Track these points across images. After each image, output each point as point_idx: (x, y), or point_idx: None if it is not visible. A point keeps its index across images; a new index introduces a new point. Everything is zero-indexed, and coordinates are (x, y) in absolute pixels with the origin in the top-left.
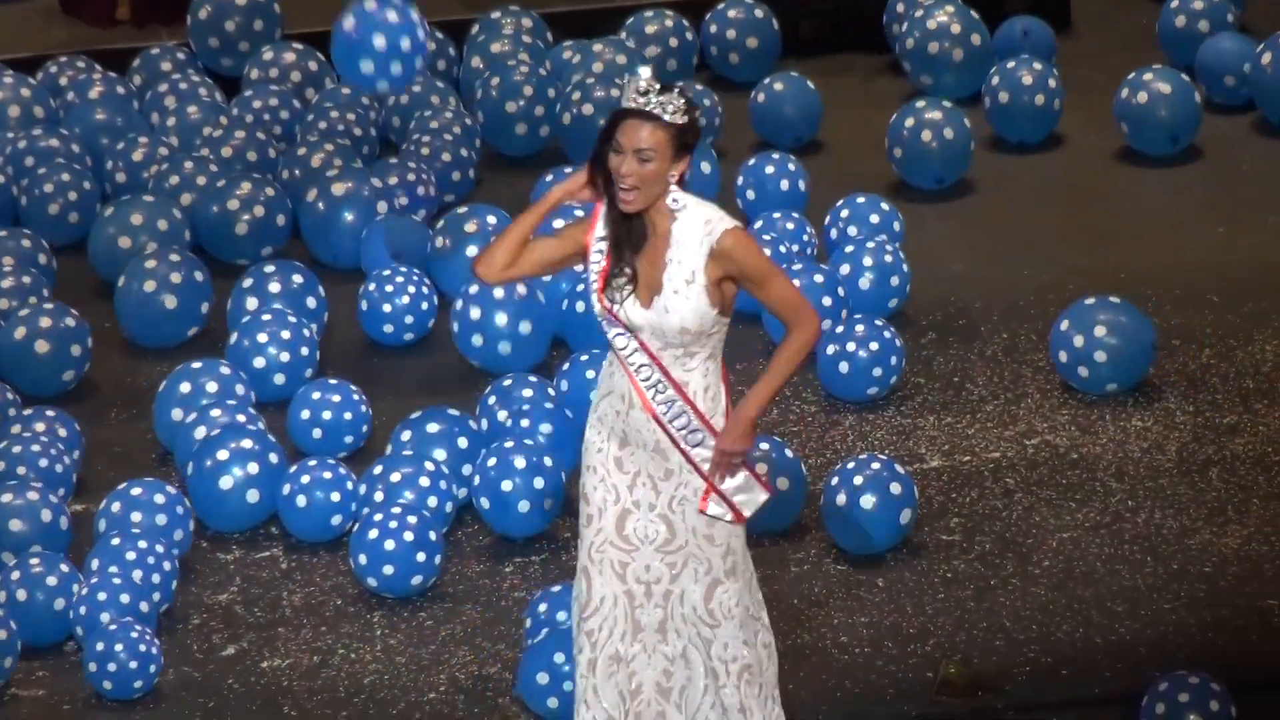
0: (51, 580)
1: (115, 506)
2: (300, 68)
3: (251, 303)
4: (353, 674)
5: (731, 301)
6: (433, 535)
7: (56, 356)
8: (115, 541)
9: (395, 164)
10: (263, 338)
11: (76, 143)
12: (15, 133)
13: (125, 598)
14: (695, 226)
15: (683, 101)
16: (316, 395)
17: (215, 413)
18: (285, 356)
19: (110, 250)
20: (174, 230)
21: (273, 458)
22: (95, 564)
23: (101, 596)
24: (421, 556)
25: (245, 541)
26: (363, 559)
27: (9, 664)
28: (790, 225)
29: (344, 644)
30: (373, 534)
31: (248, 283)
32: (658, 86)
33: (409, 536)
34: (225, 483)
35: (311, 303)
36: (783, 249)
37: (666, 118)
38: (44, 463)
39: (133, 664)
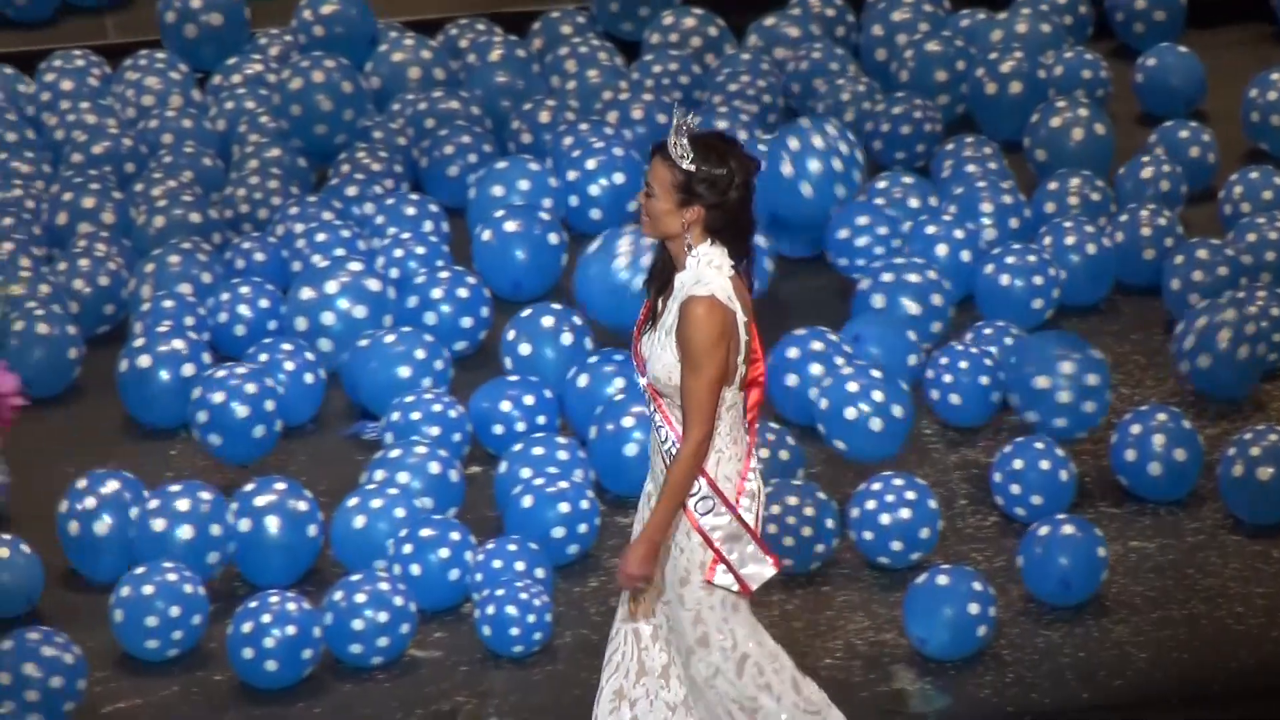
0: (444, 548)
1: (513, 466)
2: (700, 33)
3: None
4: None
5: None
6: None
7: (454, 321)
8: (527, 503)
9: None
10: None
11: (477, 105)
12: (416, 95)
13: (520, 564)
14: (688, 282)
15: (693, 151)
16: None
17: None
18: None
19: (481, 213)
20: (538, 193)
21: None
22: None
23: (496, 564)
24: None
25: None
26: None
27: (406, 630)
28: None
29: None
30: None
31: None
32: (685, 127)
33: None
34: (630, 449)
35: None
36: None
37: (673, 157)
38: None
39: (530, 617)
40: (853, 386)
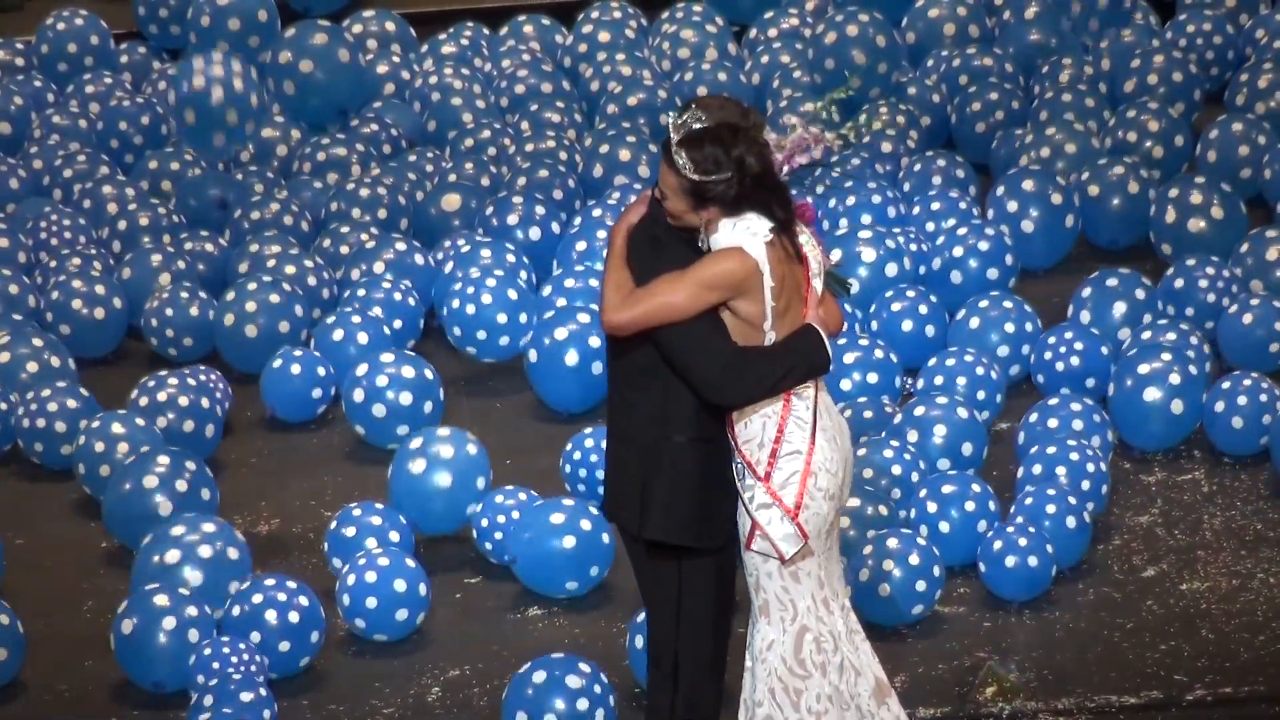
0: (970, 501)
1: (1038, 418)
2: None
3: None
4: (1271, 599)
5: (737, 329)
6: None
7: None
8: (1050, 450)
9: None
10: None
11: (1009, 62)
12: (950, 51)
13: (1051, 508)
14: (723, 244)
15: (694, 160)
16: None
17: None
18: None
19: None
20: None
21: (1193, 370)
22: (1031, 470)
23: (1028, 500)
24: None
25: (1168, 463)
26: None
27: (938, 571)
28: None
29: (1263, 568)
30: None
31: None
32: (680, 132)
33: None
34: (1150, 395)
35: None
36: None
37: (677, 167)
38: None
39: (1032, 560)
40: None
